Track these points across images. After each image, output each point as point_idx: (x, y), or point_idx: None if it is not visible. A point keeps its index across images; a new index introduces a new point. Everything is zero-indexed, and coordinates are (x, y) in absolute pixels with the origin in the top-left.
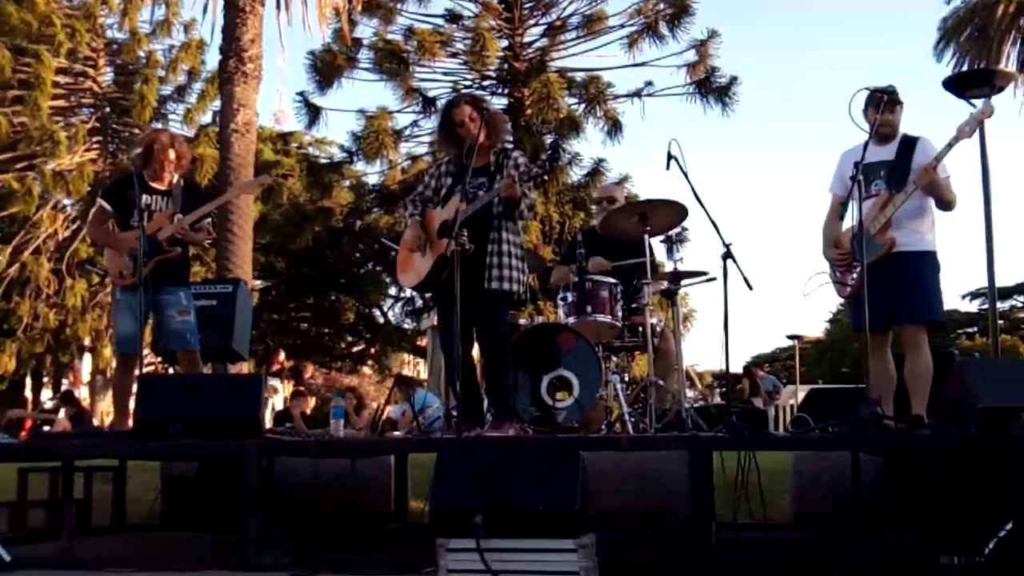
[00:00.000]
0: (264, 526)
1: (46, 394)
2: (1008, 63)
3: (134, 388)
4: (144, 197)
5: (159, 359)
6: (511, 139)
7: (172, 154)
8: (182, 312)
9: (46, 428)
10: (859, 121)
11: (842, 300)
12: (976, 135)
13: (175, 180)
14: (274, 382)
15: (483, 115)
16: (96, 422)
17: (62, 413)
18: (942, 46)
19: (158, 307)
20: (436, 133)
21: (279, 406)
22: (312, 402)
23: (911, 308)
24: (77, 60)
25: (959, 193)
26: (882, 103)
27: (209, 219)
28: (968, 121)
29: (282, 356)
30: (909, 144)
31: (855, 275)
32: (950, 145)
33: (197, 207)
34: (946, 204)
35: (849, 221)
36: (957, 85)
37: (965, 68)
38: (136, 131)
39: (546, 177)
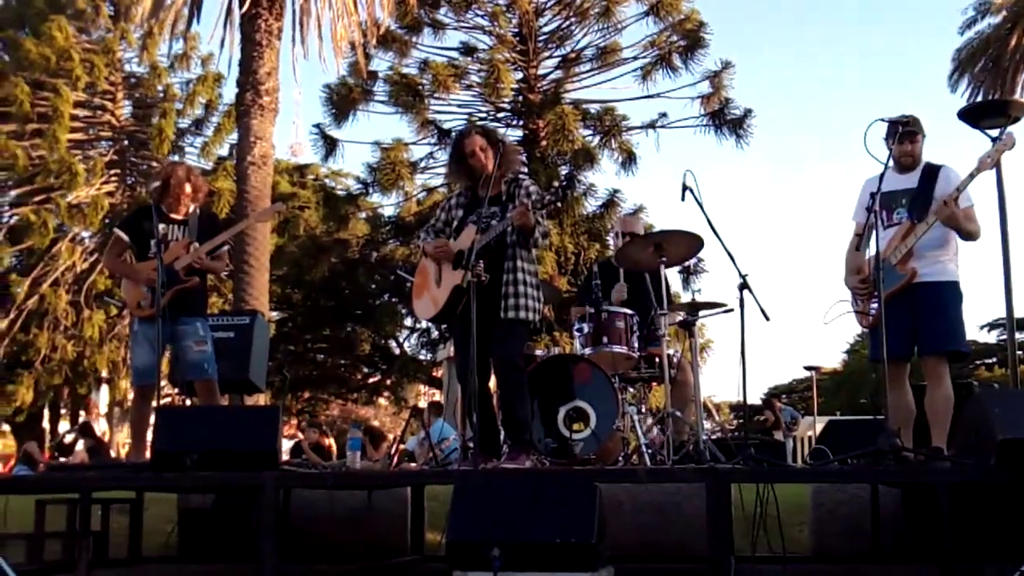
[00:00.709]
0: (280, 558)
1: (64, 426)
2: (1023, 93)
3: (151, 420)
4: (161, 227)
5: (176, 390)
6: (524, 169)
7: (188, 187)
8: (200, 342)
9: (63, 460)
10: (874, 152)
11: (860, 330)
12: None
13: (191, 211)
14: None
15: (495, 145)
16: (113, 454)
17: (80, 445)
18: (956, 76)
19: (176, 338)
20: (448, 165)
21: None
22: (332, 443)
23: (933, 338)
24: (95, 94)
25: (981, 222)
26: (897, 134)
27: (227, 247)
28: (990, 152)
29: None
30: (932, 172)
31: (876, 304)
32: (971, 176)
33: (214, 236)
34: (968, 235)
35: (872, 249)
36: (972, 116)
37: (979, 98)
38: (154, 164)
39: (559, 204)
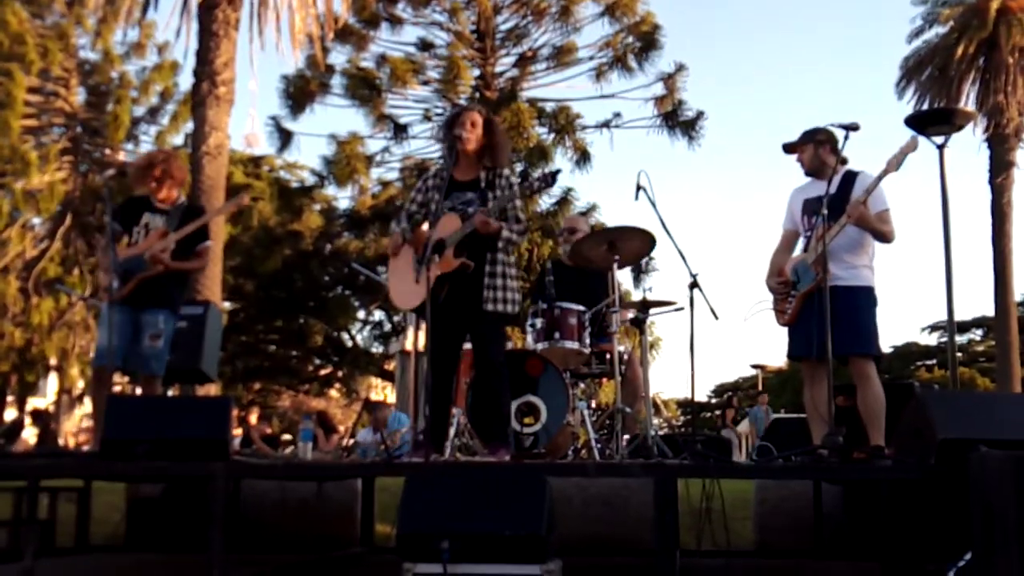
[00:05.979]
0: (229, 549)
1: (10, 413)
2: (967, 102)
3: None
4: (146, 215)
5: (127, 379)
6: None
7: (158, 170)
8: (154, 336)
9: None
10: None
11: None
12: (937, 172)
13: (179, 201)
14: None
15: (491, 133)
16: (61, 442)
17: (28, 432)
18: (904, 84)
19: (137, 326)
20: (440, 131)
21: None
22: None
23: (845, 341)
24: (49, 79)
25: (906, 227)
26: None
27: (209, 243)
28: (896, 154)
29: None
30: (850, 178)
31: (792, 303)
32: (879, 178)
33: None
34: (881, 236)
35: (796, 252)
36: (919, 123)
37: (925, 106)
38: (108, 151)
39: (547, 187)
